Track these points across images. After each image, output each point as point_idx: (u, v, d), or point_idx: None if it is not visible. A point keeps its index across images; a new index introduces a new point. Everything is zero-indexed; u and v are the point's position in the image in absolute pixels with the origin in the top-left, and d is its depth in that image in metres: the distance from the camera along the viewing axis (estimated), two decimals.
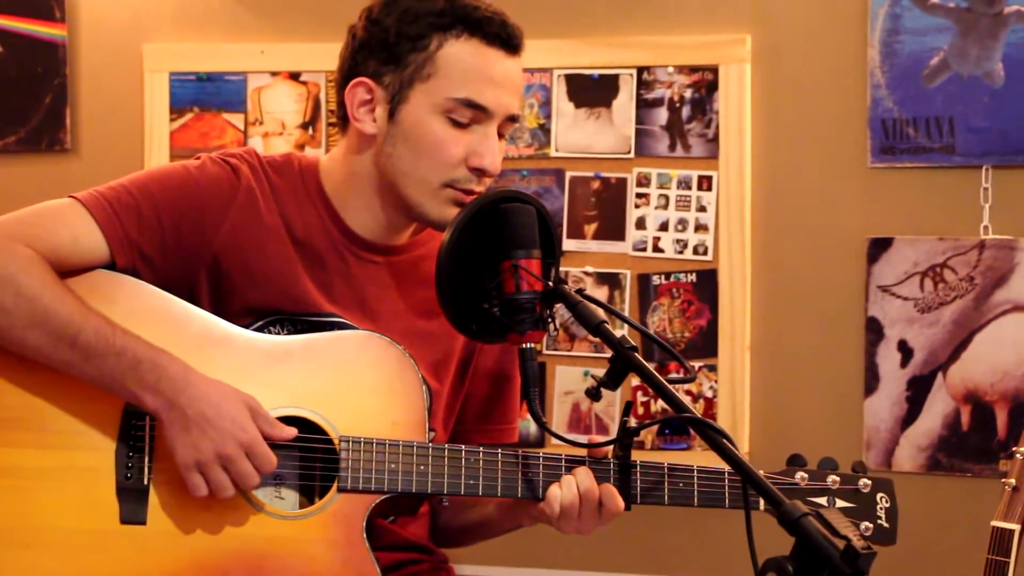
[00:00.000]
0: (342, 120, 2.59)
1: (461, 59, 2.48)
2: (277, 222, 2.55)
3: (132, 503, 2.40)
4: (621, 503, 2.42)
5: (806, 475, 2.48)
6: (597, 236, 3.72)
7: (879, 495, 2.50)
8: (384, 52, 2.51)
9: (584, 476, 2.42)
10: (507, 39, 2.51)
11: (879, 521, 2.49)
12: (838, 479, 2.48)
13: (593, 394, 2.33)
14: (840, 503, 2.47)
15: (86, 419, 2.40)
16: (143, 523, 2.39)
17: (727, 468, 2.41)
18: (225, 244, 2.51)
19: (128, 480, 2.41)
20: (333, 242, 2.58)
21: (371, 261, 2.60)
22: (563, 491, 2.41)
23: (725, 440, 2.03)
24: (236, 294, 2.52)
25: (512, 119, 2.54)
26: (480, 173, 2.50)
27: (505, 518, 2.62)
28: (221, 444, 2.33)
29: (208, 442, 2.33)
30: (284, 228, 2.55)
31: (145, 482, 2.39)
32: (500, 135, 2.54)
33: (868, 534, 2.46)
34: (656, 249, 3.69)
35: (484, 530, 2.71)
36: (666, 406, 2.20)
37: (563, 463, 2.44)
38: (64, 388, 2.39)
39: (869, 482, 2.50)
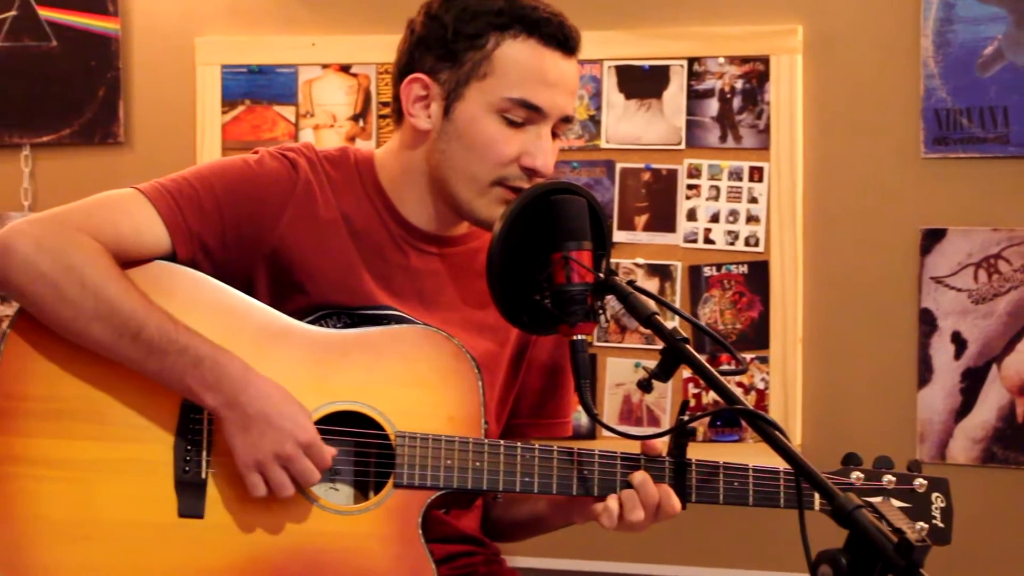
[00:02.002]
0: (397, 115, 2.60)
1: (518, 59, 2.49)
2: (335, 215, 2.56)
3: (190, 497, 2.41)
4: (678, 505, 2.43)
5: (861, 475, 2.47)
6: (648, 228, 3.73)
7: (934, 495, 2.49)
8: (441, 49, 2.52)
9: (643, 482, 2.43)
10: (564, 40, 2.51)
11: (934, 521, 2.48)
12: (894, 479, 2.47)
13: (644, 386, 2.31)
14: (896, 503, 2.46)
15: (145, 412, 2.42)
16: (201, 517, 2.41)
17: (782, 467, 2.41)
18: (284, 237, 2.52)
19: (186, 474, 2.42)
20: (391, 235, 2.59)
21: (429, 253, 2.61)
22: (625, 507, 2.41)
23: (778, 432, 2.02)
24: (294, 286, 2.54)
25: (567, 120, 2.55)
26: (532, 173, 2.50)
27: (557, 515, 2.63)
28: (280, 443, 2.34)
29: (268, 441, 2.34)
30: (342, 221, 2.56)
31: (203, 476, 2.41)
32: (554, 135, 2.54)
33: (923, 533, 2.46)
34: (707, 241, 3.69)
35: (536, 526, 2.72)
36: (718, 398, 2.21)
37: (618, 461, 2.44)
38: (123, 381, 2.41)
39: (925, 482, 2.48)
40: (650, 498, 2.41)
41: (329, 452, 2.37)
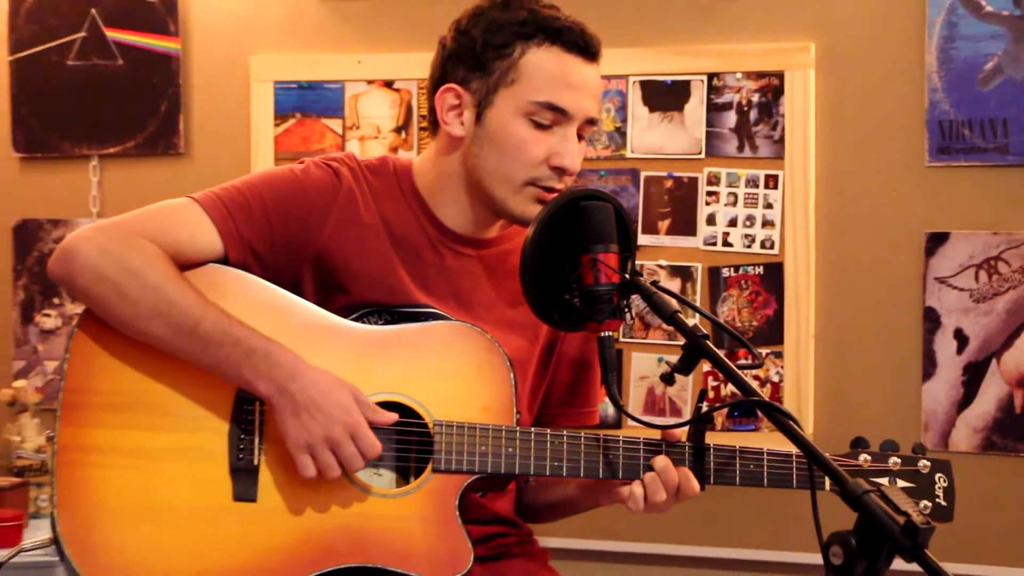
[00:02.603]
0: (432, 124, 2.60)
1: (542, 65, 2.49)
2: (376, 221, 2.56)
3: (244, 482, 2.42)
4: (697, 486, 2.42)
5: (869, 457, 2.46)
6: (670, 232, 3.72)
7: (937, 475, 2.47)
8: (471, 60, 2.52)
9: (664, 466, 2.42)
10: (585, 46, 2.51)
11: (937, 500, 2.46)
12: (899, 460, 2.46)
13: (667, 379, 2.33)
14: (901, 483, 2.45)
15: (201, 403, 2.42)
16: (254, 500, 2.41)
17: (795, 451, 2.41)
18: (328, 241, 2.52)
19: (240, 460, 2.42)
20: (428, 238, 2.58)
21: (464, 255, 2.60)
22: (648, 490, 2.41)
23: (791, 422, 2.02)
24: (338, 287, 2.53)
25: (591, 122, 2.54)
26: (561, 172, 2.50)
27: (585, 498, 2.63)
28: (329, 428, 2.34)
29: (317, 426, 2.34)
30: (382, 226, 2.56)
31: (256, 462, 2.41)
32: (580, 137, 2.53)
33: (926, 512, 2.45)
34: (725, 244, 3.68)
35: (566, 508, 2.72)
36: (736, 390, 2.20)
37: (641, 446, 2.43)
38: (181, 374, 2.41)
39: (928, 463, 2.47)
40: (671, 480, 2.40)
41: (375, 437, 2.37)
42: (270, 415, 2.40)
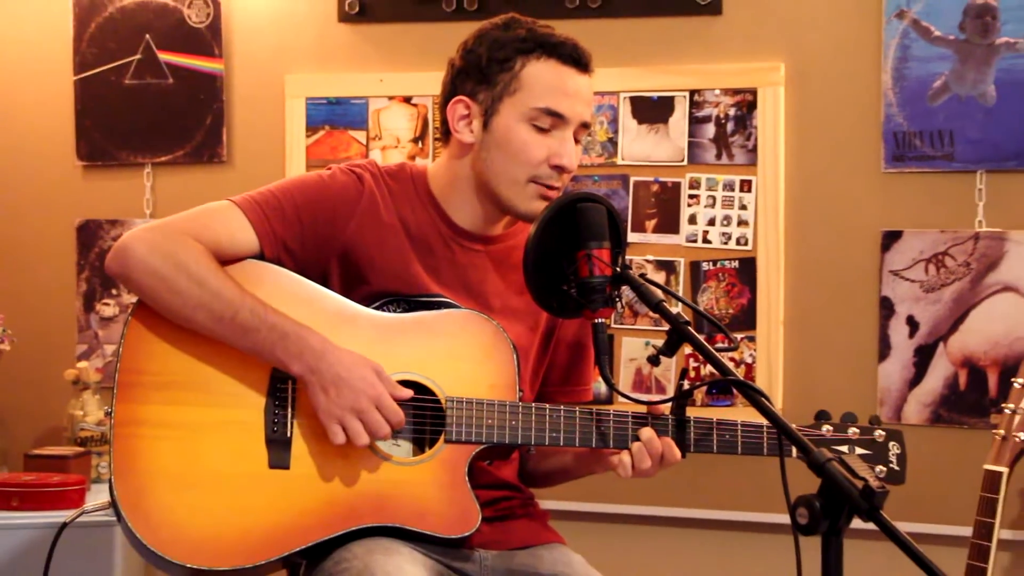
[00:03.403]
0: (444, 134, 2.60)
1: (541, 76, 2.49)
2: (394, 220, 2.55)
3: (278, 451, 2.41)
4: (679, 454, 2.42)
5: (831, 427, 2.46)
6: (656, 230, 3.71)
7: (891, 443, 2.47)
8: (478, 74, 2.52)
9: (649, 437, 2.42)
10: (578, 59, 2.52)
11: (891, 465, 2.46)
12: (857, 431, 2.47)
13: (653, 360, 2.34)
14: (859, 450, 2.45)
15: (240, 382, 2.42)
16: (287, 468, 2.41)
17: (765, 423, 2.40)
18: (352, 239, 2.52)
19: (275, 432, 2.42)
20: (441, 235, 2.58)
21: (472, 250, 2.60)
22: (635, 458, 2.41)
23: (763, 398, 2.03)
24: (360, 279, 2.53)
25: (585, 126, 2.54)
26: (560, 170, 2.51)
27: (580, 467, 2.63)
28: (355, 399, 2.34)
29: (344, 398, 2.34)
30: (400, 225, 2.56)
31: (289, 435, 2.41)
32: (576, 140, 2.54)
33: (882, 476, 2.45)
34: (705, 241, 3.67)
35: (563, 476, 2.72)
36: (714, 370, 2.19)
37: (629, 419, 2.43)
38: (222, 356, 2.42)
39: (883, 432, 2.47)
40: (655, 449, 2.40)
41: (397, 407, 2.38)
42: (302, 391, 2.40)
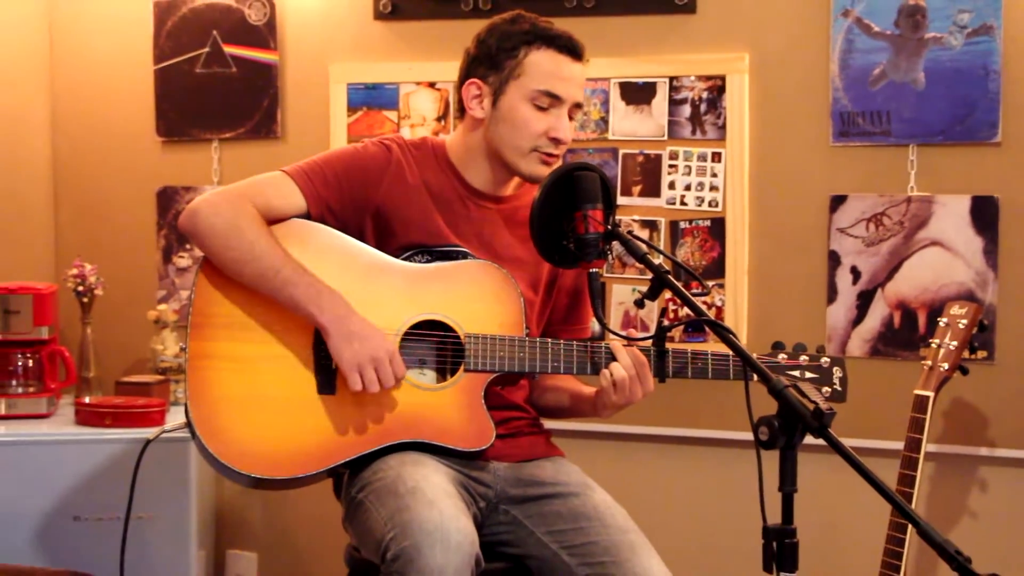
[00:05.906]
0: (460, 110, 2.62)
1: (541, 63, 2.50)
2: (419, 183, 2.56)
3: (325, 379, 2.42)
4: (651, 384, 2.44)
5: (785, 355, 2.48)
6: (641, 194, 3.69)
7: (835, 368, 2.49)
8: (489, 61, 2.54)
9: (626, 354, 2.42)
10: (572, 49, 2.53)
11: (835, 386, 2.48)
12: (807, 358, 2.48)
13: (639, 304, 2.38)
14: (808, 375, 2.46)
15: (292, 322, 2.42)
16: (334, 393, 2.41)
17: (731, 354, 2.40)
18: (383, 199, 2.52)
19: (322, 363, 2.42)
20: (459, 195, 2.58)
21: (485, 207, 2.61)
22: (618, 365, 2.42)
23: (731, 335, 2.04)
24: (391, 233, 2.53)
25: (578, 105, 2.55)
26: (556, 142, 2.52)
27: (574, 407, 2.66)
28: (374, 350, 2.34)
29: (365, 350, 2.34)
30: (423, 187, 2.56)
31: (334, 365, 2.41)
32: (571, 117, 2.55)
33: (827, 396, 2.46)
34: (682, 203, 3.65)
35: (560, 413, 2.73)
36: (690, 311, 2.19)
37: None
38: (276, 304, 2.42)
39: (828, 359, 2.49)
40: (638, 360, 2.41)
41: (402, 362, 2.38)
42: (329, 340, 2.38)
